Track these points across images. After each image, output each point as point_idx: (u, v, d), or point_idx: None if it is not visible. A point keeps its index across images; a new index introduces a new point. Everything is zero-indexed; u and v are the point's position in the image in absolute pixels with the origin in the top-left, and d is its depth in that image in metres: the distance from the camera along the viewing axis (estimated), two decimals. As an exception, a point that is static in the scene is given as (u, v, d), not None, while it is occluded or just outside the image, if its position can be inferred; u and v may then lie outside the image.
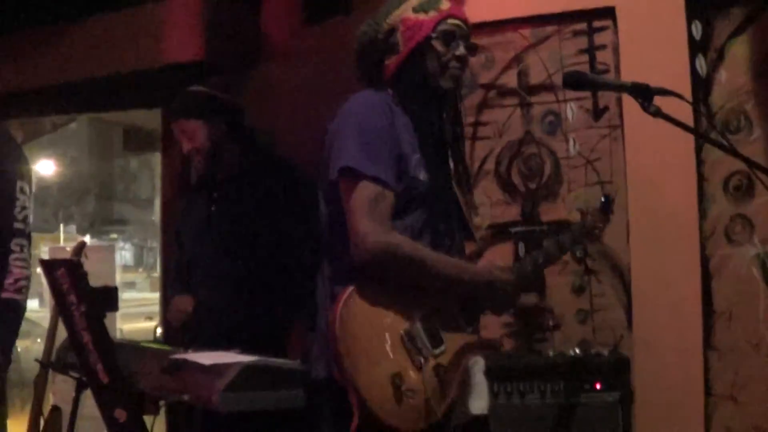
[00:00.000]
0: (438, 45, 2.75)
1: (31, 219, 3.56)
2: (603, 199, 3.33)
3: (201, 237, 4.03)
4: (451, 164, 2.90)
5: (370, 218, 2.53)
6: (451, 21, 2.78)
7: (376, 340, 2.50)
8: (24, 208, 3.52)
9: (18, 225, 3.49)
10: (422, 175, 2.71)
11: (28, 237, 3.55)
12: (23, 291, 3.47)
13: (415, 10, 2.76)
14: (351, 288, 2.52)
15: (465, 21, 2.83)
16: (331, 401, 2.63)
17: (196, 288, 3.99)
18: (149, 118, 6.80)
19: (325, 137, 2.78)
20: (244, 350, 2.88)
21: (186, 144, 3.98)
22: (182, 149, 4.03)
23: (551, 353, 3.86)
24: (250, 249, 3.91)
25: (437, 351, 2.59)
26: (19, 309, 3.49)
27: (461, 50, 2.78)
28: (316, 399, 2.69)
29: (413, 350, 2.54)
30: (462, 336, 2.70)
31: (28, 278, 3.49)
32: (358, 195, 2.55)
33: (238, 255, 3.92)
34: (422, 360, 2.54)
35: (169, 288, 4.38)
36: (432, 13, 2.75)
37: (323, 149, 2.78)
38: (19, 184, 3.52)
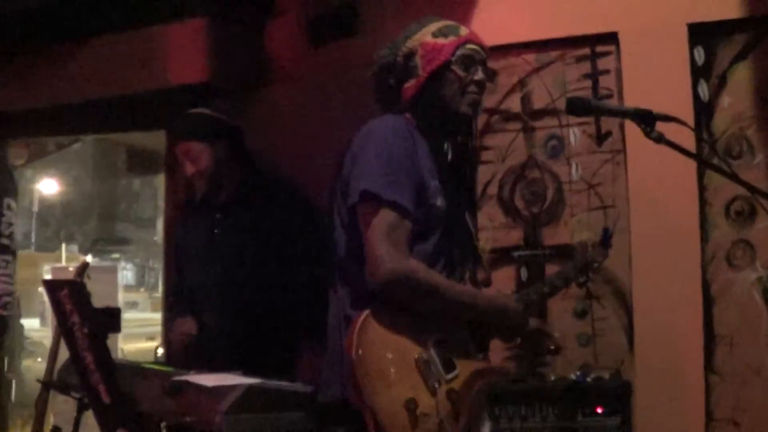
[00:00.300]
0: (457, 69, 2.78)
1: (16, 235, 3.56)
2: (603, 233, 3.34)
3: (204, 258, 4.03)
4: (462, 190, 2.92)
5: (387, 244, 2.53)
6: (469, 46, 2.82)
7: (392, 365, 2.50)
8: (9, 224, 3.52)
9: (3, 241, 3.49)
10: (439, 202, 2.72)
11: (13, 253, 3.55)
12: (7, 307, 3.47)
13: (435, 34, 2.80)
14: (367, 312, 2.52)
15: (483, 47, 2.87)
16: (345, 425, 2.61)
17: (199, 310, 3.99)
18: (153, 140, 6.81)
19: (343, 160, 2.78)
20: (248, 372, 2.88)
21: (189, 166, 3.99)
22: (185, 171, 4.03)
23: (553, 377, 3.87)
24: (253, 270, 3.92)
25: (450, 376, 2.59)
26: (3, 325, 3.48)
27: (480, 75, 2.81)
28: (328, 422, 2.69)
29: (427, 375, 2.53)
30: (473, 362, 2.71)
31: (11, 294, 3.49)
32: (377, 220, 2.56)
33: (241, 277, 3.92)
34: (436, 385, 2.54)
35: (170, 309, 4.38)
36: (451, 38, 2.79)
37: (339, 172, 2.79)
38: (5, 200, 3.52)
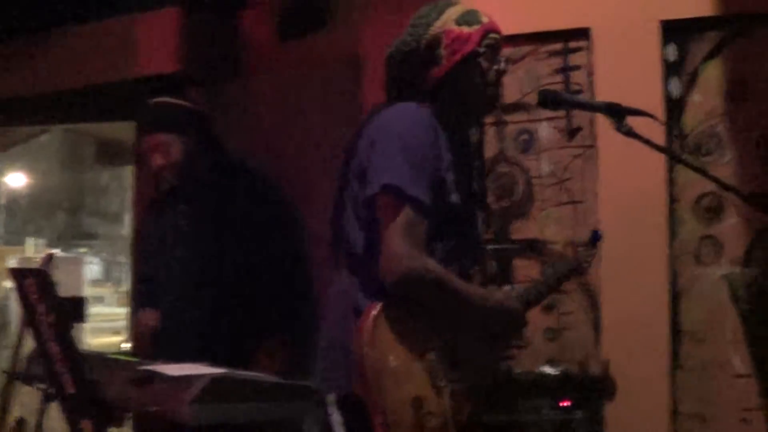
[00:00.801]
0: (483, 60, 2.73)
1: None
2: (592, 235, 3.34)
3: (169, 250, 4.00)
4: (474, 186, 2.89)
5: (405, 240, 2.46)
6: (492, 35, 2.76)
7: (401, 362, 2.47)
8: None
9: None
10: (455, 198, 2.67)
11: None
12: None
13: (458, 22, 2.72)
14: (379, 307, 2.48)
15: (502, 36, 2.82)
16: (347, 418, 2.58)
17: (163, 301, 3.96)
18: (122, 131, 6.77)
19: (353, 146, 2.73)
20: (214, 363, 2.87)
21: (159, 159, 3.91)
22: (154, 163, 3.96)
23: (519, 371, 3.88)
24: (218, 262, 3.89)
25: (455, 376, 2.57)
26: None
27: (503, 65, 2.78)
28: (326, 414, 2.66)
29: (434, 374, 2.51)
30: (477, 361, 2.69)
31: None
32: (398, 217, 2.48)
33: (206, 268, 3.89)
34: (441, 384, 2.52)
35: (135, 302, 4.35)
36: (475, 27, 2.72)
37: (349, 158, 2.73)
38: None
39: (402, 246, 2.46)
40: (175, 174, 3.92)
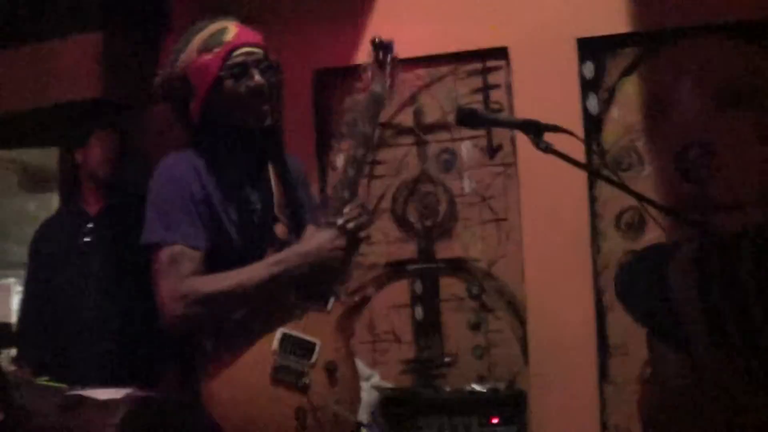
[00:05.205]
0: (230, 84, 2.57)
1: None
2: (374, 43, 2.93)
3: (73, 266, 3.95)
4: (274, 188, 2.71)
5: (166, 281, 2.45)
6: (239, 51, 2.59)
7: (261, 401, 2.43)
8: None
9: None
10: (234, 233, 2.58)
11: None
12: None
13: (200, 50, 2.59)
14: (211, 364, 2.46)
15: (257, 44, 2.64)
16: None
17: (65, 319, 3.90)
18: (46, 157, 6.69)
19: None
20: (140, 386, 2.85)
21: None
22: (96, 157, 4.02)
23: (448, 389, 3.89)
24: (123, 284, 3.85)
25: (313, 356, 2.50)
26: None
27: (256, 79, 2.58)
28: None
29: (291, 380, 2.46)
30: (324, 319, 2.58)
31: None
32: (157, 265, 2.48)
33: (110, 289, 3.86)
34: (306, 381, 2.46)
35: (23, 323, 4.21)
36: (217, 50, 2.57)
37: None
38: None
39: (164, 289, 2.45)
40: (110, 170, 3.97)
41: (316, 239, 2.57)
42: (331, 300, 2.62)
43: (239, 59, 2.58)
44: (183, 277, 2.45)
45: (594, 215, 4.03)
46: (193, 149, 2.62)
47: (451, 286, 4.20)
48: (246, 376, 2.44)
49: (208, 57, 2.56)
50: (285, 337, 2.50)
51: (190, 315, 2.44)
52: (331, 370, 2.52)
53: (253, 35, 2.64)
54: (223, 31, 2.61)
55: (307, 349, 2.51)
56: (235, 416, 2.40)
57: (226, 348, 2.47)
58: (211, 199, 2.55)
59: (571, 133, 2.54)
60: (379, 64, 2.89)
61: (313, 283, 2.59)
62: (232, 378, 2.43)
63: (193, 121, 2.63)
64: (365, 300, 2.72)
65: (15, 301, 6.48)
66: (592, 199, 4.03)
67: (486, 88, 4.21)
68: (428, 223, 4.23)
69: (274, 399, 2.43)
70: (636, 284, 1.53)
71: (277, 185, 2.72)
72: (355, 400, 2.58)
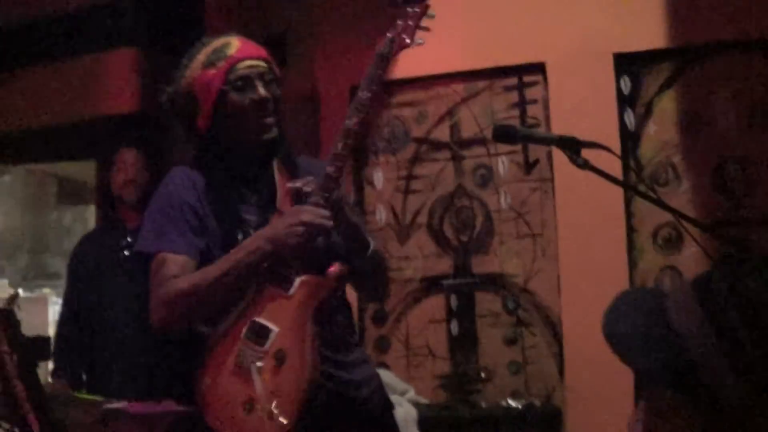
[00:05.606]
0: (234, 96, 2.56)
1: None
2: None
3: (113, 280, 3.98)
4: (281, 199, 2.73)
5: (154, 288, 2.48)
6: (242, 65, 2.58)
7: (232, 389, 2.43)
8: None
9: None
10: (213, 246, 2.56)
11: None
12: None
13: (205, 65, 2.59)
14: (201, 370, 2.47)
15: (260, 57, 2.63)
16: None
17: (107, 337, 3.93)
18: (84, 170, 6.74)
19: None
20: (178, 401, 2.86)
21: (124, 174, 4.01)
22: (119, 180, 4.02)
23: (484, 405, 3.88)
24: None
25: (266, 343, 2.45)
26: None
27: (260, 92, 2.57)
28: None
29: (246, 362, 2.43)
30: (286, 302, 2.52)
31: None
32: (149, 273, 2.51)
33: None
34: (259, 364, 2.41)
35: (61, 337, 4.23)
36: (220, 64, 2.57)
37: None
38: None
39: (153, 295, 2.47)
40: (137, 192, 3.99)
41: (278, 220, 2.51)
42: (295, 283, 2.50)
43: (242, 72, 2.57)
44: (165, 280, 2.47)
45: (631, 231, 4.02)
46: (196, 164, 2.63)
47: (487, 302, 4.19)
48: (222, 362, 2.45)
49: (211, 72, 2.56)
50: (252, 324, 2.46)
51: (176, 314, 2.46)
52: (279, 359, 2.45)
53: (256, 49, 2.65)
54: (226, 45, 2.62)
55: (266, 336, 2.46)
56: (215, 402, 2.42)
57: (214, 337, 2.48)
58: (204, 211, 2.56)
59: (608, 150, 2.53)
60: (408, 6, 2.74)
61: (278, 265, 2.52)
62: (215, 364, 2.45)
63: (201, 135, 2.63)
64: (329, 279, 2.54)
65: (51, 312, 6.53)
66: (629, 215, 4.02)
67: (523, 104, 4.21)
68: (464, 238, 4.23)
69: (238, 387, 2.42)
70: (631, 324, 1.50)
71: (287, 196, 2.70)
72: (295, 397, 2.43)
